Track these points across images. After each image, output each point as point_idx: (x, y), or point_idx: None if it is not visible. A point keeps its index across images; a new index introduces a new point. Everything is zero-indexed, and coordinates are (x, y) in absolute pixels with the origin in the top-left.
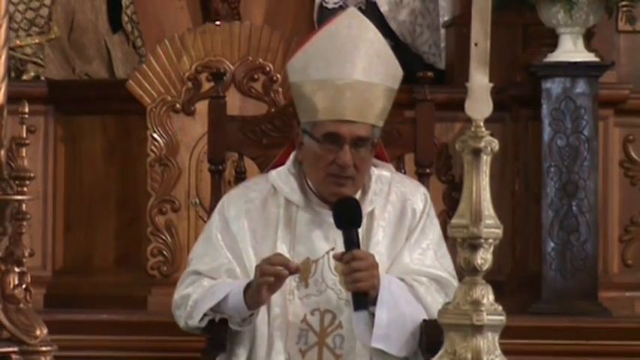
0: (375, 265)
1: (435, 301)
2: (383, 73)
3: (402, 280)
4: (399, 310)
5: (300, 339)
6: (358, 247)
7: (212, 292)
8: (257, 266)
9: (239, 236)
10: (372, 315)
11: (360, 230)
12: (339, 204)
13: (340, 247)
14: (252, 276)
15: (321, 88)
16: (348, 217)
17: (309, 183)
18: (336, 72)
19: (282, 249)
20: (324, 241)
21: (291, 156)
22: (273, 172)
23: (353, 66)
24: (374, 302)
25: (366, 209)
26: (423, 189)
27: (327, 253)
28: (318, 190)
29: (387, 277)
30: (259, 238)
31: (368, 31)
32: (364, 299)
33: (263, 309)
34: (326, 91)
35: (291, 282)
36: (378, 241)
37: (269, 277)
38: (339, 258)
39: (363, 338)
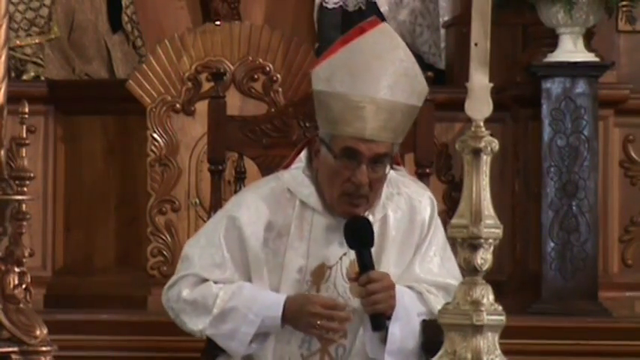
0: (391, 286)
1: None
2: (408, 92)
3: (411, 287)
4: (412, 323)
5: (303, 343)
6: (372, 267)
7: (245, 313)
8: (313, 311)
9: (251, 241)
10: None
11: (372, 249)
12: (350, 224)
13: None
14: (255, 274)
15: (344, 102)
16: (360, 237)
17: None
18: (361, 88)
19: (297, 252)
20: (339, 247)
21: (303, 157)
22: (286, 174)
23: (378, 84)
24: (388, 317)
25: (379, 214)
26: (428, 193)
27: (341, 258)
28: (332, 206)
29: (400, 289)
30: (274, 238)
31: (398, 49)
32: (383, 321)
33: None
34: (348, 105)
35: (302, 286)
36: (389, 250)
37: (322, 330)
38: (354, 280)
39: (374, 352)
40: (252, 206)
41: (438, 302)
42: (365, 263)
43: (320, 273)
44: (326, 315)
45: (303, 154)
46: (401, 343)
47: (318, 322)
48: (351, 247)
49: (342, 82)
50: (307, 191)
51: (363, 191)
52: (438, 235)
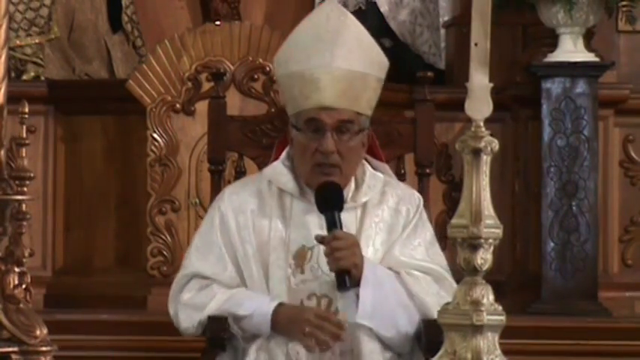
0: (355, 244)
1: (424, 291)
2: (364, 61)
3: (390, 268)
4: (384, 290)
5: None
6: (340, 228)
7: (236, 302)
8: (305, 318)
9: (237, 233)
10: (358, 297)
11: (350, 217)
12: (320, 188)
13: None
14: (244, 267)
15: (302, 79)
16: (329, 200)
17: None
18: (315, 62)
19: (279, 236)
20: (319, 229)
21: (284, 151)
22: (268, 168)
23: (332, 54)
24: (358, 283)
25: (359, 200)
26: (417, 194)
27: None
28: (307, 183)
29: (373, 262)
30: (257, 228)
31: (346, 20)
32: (346, 278)
33: None
34: (305, 80)
35: (287, 269)
36: (369, 235)
37: (310, 337)
38: (320, 240)
39: (350, 317)
40: (237, 198)
41: (416, 283)
42: (332, 224)
43: (302, 255)
44: (316, 324)
45: (286, 149)
46: (372, 306)
47: (307, 330)
48: (320, 210)
49: (297, 61)
50: (285, 179)
51: (333, 160)
52: (425, 231)
